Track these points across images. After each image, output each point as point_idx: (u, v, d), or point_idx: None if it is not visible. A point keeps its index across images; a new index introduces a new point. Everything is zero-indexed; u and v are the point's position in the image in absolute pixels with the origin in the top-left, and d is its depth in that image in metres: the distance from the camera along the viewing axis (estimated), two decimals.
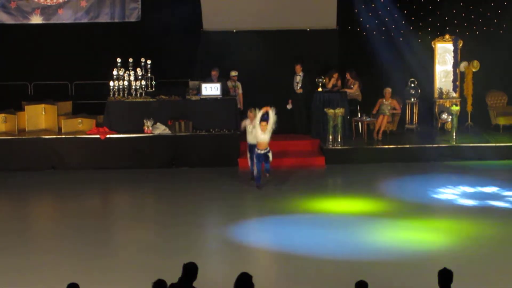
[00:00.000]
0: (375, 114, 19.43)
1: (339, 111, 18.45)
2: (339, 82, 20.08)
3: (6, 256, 12.19)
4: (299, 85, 19.79)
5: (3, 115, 18.64)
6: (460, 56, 20.51)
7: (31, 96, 20.46)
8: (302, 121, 19.86)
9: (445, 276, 7.76)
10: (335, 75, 19.96)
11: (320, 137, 19.15)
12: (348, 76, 20.08)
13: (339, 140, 18.58)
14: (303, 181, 16.81)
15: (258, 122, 15.97)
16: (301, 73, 19.76)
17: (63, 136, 18.41)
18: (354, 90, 19.95)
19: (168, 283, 7.81)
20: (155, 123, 18.40)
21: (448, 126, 19.79)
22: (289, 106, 19.77)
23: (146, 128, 18.30)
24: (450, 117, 19.37)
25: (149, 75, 18.82)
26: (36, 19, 20.09)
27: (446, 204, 14.95)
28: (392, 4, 20.88)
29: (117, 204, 16.19)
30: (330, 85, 19.88)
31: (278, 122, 20.12)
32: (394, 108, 19.53)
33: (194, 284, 7.94)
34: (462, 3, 20.87)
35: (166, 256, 12.00)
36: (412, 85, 20.47)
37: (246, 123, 16.76)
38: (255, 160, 16.04)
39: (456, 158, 18.34)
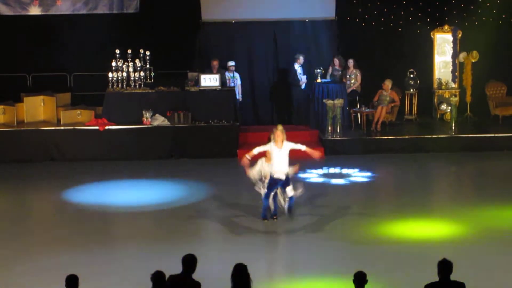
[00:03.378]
0: (376, 103, 19.31)
1: (338, 102, 18.42)
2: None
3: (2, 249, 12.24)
4: (304, 75, 19.69)
5: (1, 106, 18.61)
6: (459, 47, 20.47)
7: (29, 88, 20.41)
8: (301, 112, 19.81)
9: (445, 267, 7.76)
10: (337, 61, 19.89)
11: (319, 128, 19.13)
12: (351, 64, 19.89)
13: (338, 131, 18.56)
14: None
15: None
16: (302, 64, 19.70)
17: (62, 128, 18.39)
18: (359, 82, 19.88)
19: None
20: (154, 114, 18.37)
21: (447, 116, 19.77)
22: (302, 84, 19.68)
23: (145, 119, 18.27)
24: (449, 107, 19.35)
25: (147, 66, 18.79)
26: (35, 10, 20.05)
27: None
28: None
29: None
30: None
31: (276, 113, 20.28)
32: (393, 100, 19.45)
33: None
34: None
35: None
36: (411, 75, 20.44)
37: (267, 148, 13.14)
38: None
39: (455, 149, 18.33)
